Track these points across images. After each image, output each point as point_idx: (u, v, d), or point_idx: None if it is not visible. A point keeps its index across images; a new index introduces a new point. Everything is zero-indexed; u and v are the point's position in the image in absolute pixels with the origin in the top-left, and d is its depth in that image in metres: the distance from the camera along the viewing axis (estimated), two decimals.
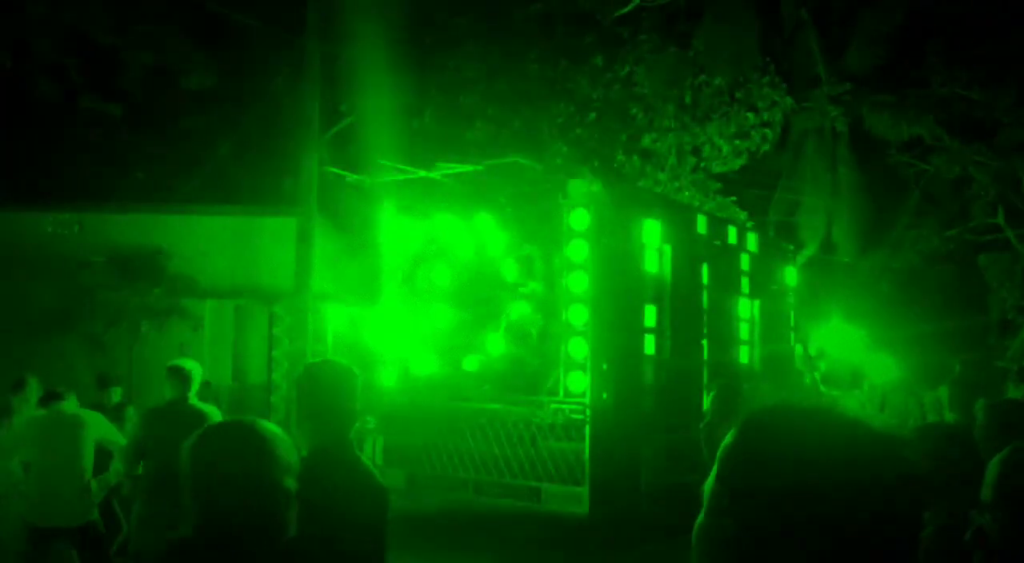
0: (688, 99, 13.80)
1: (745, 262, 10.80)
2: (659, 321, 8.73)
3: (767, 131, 14.85)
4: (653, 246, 8.71)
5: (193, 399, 5.60)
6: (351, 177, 9.53)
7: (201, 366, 5.90)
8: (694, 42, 14.64)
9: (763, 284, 11.24)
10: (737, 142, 14.56)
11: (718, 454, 1.10)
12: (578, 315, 8.00)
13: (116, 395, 7.94)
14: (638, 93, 13.96)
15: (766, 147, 15.21)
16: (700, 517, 1.11)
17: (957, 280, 22.11)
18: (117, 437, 6.05)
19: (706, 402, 6.66)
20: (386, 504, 2.80)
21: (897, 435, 1.10)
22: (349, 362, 3.06)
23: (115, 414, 7.71)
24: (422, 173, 9.17)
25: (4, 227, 14.97)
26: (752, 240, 11.28)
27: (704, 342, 9.64)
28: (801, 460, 1.02)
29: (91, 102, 9.73)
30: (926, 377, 18.30)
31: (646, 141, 14.04)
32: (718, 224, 11.56)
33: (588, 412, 7.81)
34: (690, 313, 9.27)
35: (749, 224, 14.32)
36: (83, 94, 9.76)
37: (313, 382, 2.95)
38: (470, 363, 8.85)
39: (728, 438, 1.10)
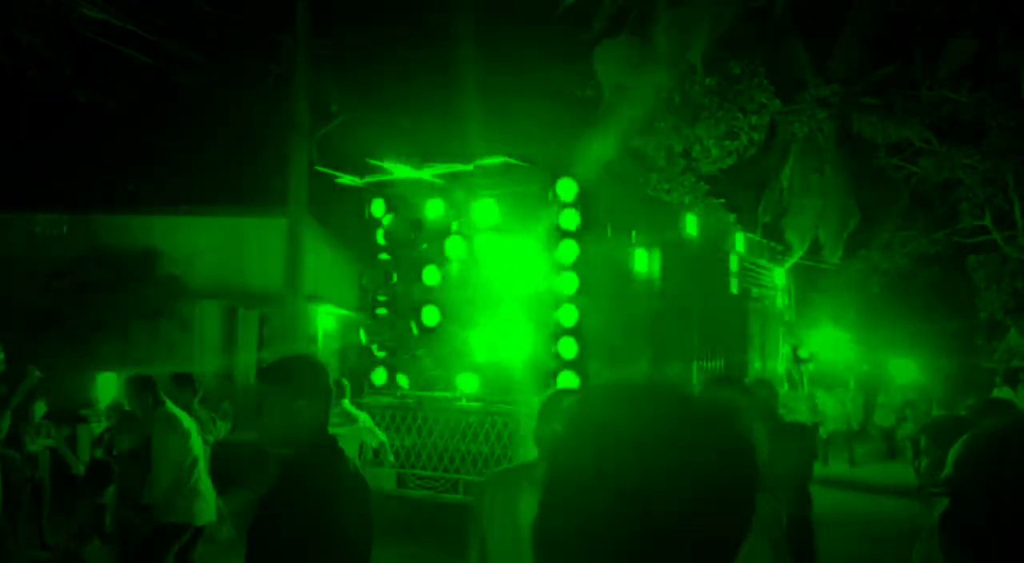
0: (677, 99, 13.83)
1: (734, 263, 10.84)
2: (649, 321, 8.76)
3: (754, 134, 14.89)
4: (642, 247, 8.74)
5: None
6: (341, 177, 9.49)
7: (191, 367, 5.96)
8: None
9: (751, 285, 11.28)
10: (726, 143, 14.59)
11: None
12: (568, 315, 8.02)
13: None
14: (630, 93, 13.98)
15: (752, 150, 15.26)
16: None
17: (945, 282, 22.22)
18: None
19: None
20: (369, 502, 2.64)
21: (730, 408, 1.03)
22: (344, 362, 2.95)
23: (114, 413, 7.75)
24: (412, 173, 9.16)
25: None
26: (741, 241, 11.32)
27: (694, 342, 9.68)
28: (621, 434, 0.96)
29: (84, 97, 9.69)
30: (915, 377, 18.41)
31: (636, 142, 14.07)
32: (707, 225, 11.60)
33: None
34: (679, 313, 9.31)
35: (738, 226, 14.36)
36: (74, 90, 9.72)
37: (288, 378, 2.69)
38: (460, 363, 8.84)
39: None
